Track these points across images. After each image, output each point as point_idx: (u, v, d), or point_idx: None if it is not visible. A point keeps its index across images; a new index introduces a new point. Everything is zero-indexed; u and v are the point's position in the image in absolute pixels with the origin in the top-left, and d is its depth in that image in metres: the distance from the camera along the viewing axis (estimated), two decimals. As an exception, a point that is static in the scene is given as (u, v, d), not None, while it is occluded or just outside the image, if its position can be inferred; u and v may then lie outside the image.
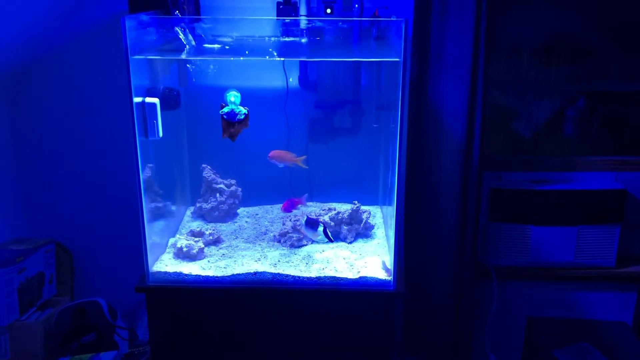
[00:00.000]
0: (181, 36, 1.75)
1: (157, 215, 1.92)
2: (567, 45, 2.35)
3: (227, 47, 1.83)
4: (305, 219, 1.87)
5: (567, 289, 2.42)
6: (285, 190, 2.27)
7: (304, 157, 2.03)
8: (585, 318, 2.41)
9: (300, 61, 2.14)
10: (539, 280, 2.40)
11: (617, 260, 2.31)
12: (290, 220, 2.07)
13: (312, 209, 2.25)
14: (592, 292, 2.42)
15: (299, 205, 2.11)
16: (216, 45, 1.82)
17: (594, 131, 2.45)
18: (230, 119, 1.80)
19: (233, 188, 2.19)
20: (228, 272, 1.82)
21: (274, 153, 2.01)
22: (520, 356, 2.39)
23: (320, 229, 1.81)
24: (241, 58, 1.92)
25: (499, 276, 2.35)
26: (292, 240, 1.98)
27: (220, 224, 2.17)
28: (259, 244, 2.01)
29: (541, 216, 2.27)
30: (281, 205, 2.29)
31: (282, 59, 2.11)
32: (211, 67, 2.04)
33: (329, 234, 1.83)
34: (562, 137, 2.46)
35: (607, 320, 2.32)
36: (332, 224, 2.03)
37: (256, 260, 1.88)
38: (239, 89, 1.84)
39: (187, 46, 1.78)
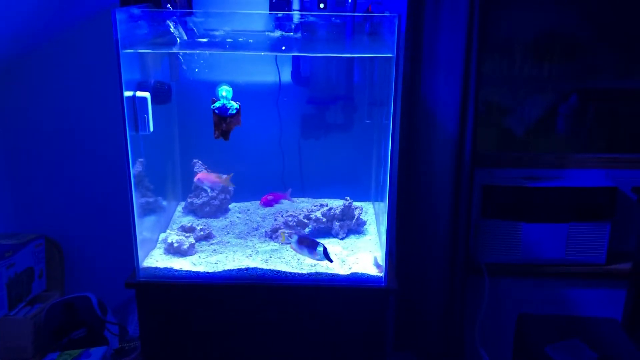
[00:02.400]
0: (173, 30, 1.74)
1: (147, 210, 1.90)
2: (560, 42, 2.35)
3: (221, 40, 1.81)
4: (296, 237, 1.82)
5: (558, 286, 2.43)
6: (278, 185, 2.27)
7: (230, 176, 2.05)
8: (575, 314, 2.42)
9: (292, 56, 2.13)
10: (530, 277, 2.41)
11: (607, 257, 2.33)
12: (282, 216, 2.06)
13: (304, 204, 2.24)
14: (582, 288, 2.43)
15: (282, 200, 2.10)
16: (221, 35, 1.81)
17: (586, 128, 2.46)
18: (222, 114, 1.79)
19: (225, 183, 2.19)
20: (219, 267, 1.81)
21: (200, 175, 2.06)
22: (511, 353, 2.40)
23: (320, 249, 1.78)
24: (233, 52, 1.91)
25: (491, 273, 2.36)
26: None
27: (212, 219, 2.16)
28: (251, 240, 2.00)
29: (532, 213, 2.27)
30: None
31: (275, 53, 2.10)
32: (202, 61, 2.02)
33: (329, 255, 1.79)
34: (554, 134, 2.46)
35: (597, 316, 2.33)
36: (324, 219, 2.02)
37: (247, 256, 1.87)
38: (230, 84, 1.83)
39: (179, 40, 1.76)
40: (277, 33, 1.85)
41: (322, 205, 2.10)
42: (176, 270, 1.80)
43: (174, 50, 1.86)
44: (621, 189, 2.33)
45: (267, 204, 2.11)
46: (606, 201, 2.26)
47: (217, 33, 1.83)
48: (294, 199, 2.30)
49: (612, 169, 2.34)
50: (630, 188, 2.32)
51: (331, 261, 1.79)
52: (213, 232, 2.03)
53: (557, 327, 2.22)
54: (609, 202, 2.26)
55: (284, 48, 1.88)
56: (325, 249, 1.78)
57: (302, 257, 1.87)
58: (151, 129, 1.74)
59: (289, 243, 1.84)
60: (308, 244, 1.81)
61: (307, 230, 2.04)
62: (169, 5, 1.83)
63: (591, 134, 2.46)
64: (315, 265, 1.83)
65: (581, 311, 2.45)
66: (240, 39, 1.85)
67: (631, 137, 2.45)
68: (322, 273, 1.79)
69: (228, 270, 1.79)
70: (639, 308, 2.33)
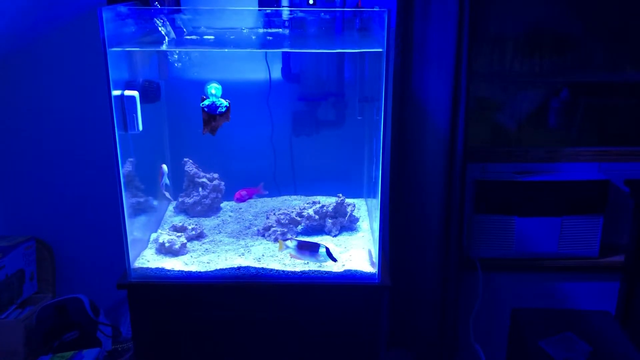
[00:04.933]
0: (160, 28, 1.72)
1: (138, 210, 1.89)
2: (551, 36, 2.35)
3: (207, 37, 1.80)
4: (295, 243, 1.80)
5: (551, 280, 2.44)
6: (270, 183, 2.26)
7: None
8: (569, 308, 2.42)
9: (282, 53, 2.11)
10: (524, 271, 2.41)
11: (600, 250, 2.33)
12: (274, 214, 2.05)
13: (296, 202, 2.23)
14: (576, 282, 2.43)
15: (255, 195, 2.10)
16: (208, 37, 1.79)
17: (578, 122, 2.46)
18: (212, 112, 1.78)
19: (216, 182, 2.17)
20: (211, 267, 1.79)
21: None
22: (505, 347, 2.40)
23: (323, 250, 1.76)
24: (222, 50, 1.89)
25: (484, 268, 2.36)
26: (276, 234, 1.96)
27: (203, 218, 2.14)
28: (243, 239, 1.99)
29: (525, 207, 2.27)
30: (267, 198, 2.29)
31: (265, 50, 2.09)
32: (189, 57, 2.01)
33: (333, 254, 1.77)
34: (546, 128, 2.47)
35: (591, 309, 2.33)
36: (317, 217, 2.01)
37: (240, 255, 1.86)
38: (220, 82, 1.82)
39: (167, 38, 1.74)
40: (267, 30, 1.84)
41: (314, 203, 2.09)
42: (168, 270, 1.78)
43: (162, 48, 1.84)
44: (613, 181, 2.33)
45: (241, 199, 2.11)
46: (598, 194, 2.27)
47: (205, 30, 1.82)
48: (286, 197, 2.29)
49: (604, 162, 2.35)
50: (623, 181, 2.33)
51: (335, 260, 1.78)
52: (205, 231, 2.01)
53: (551, 321, 2.22)
54: (601, 195, 2.26)
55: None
56: (327, 249, 1.77)
57: (294, 255, 1.86)
58: (140, 128, 1.73)
59: (288, 249, 1.82)
60: (309, 248, 1.79)
61: (299, 228, 2.03)
62: (156, 3, 1.81)
63: (583, 127, 2.46)
64: (307, 262, 1.82)
65: (575, 304, 2.46)
66: (229, 36, 1.83)
67: (622, 130, 2.45)
68: (315, 271, 1.78)
69: (220, 269, 1.78)
70: (632, 300, 2.33)
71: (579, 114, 2.45)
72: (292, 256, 1.82)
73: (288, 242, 1.83)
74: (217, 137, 1.83)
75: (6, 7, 2.09)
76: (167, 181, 2.00)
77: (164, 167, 1.98)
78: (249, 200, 2.16)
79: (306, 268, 1.79)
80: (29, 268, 2.21)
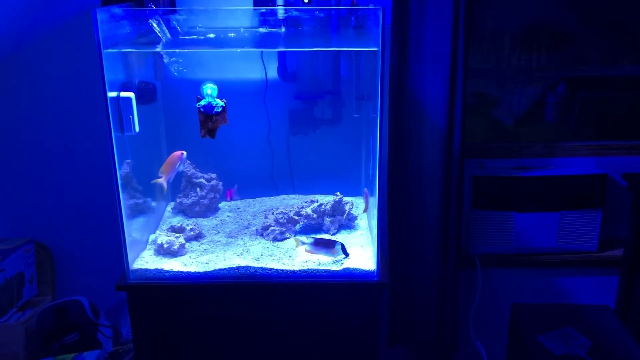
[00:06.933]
0: (156, 28, 1.72)
1: (136, 211, 1.89)
2: (547, 31, 2.35)
3: (203, 37, 1.80)
4: (312, 240, 1.83)
5: (550, 275, 2.44)
6: (268, 183, 2.26)
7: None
8: (569, 303, 2.43)
9: (278, 52, 2.11)
10: (523, 266, 2.41)
11: (599, 245, 2.33)
12: (272, 213, 2.05)
13: (295, 201, 2.23)
14: (575, 277, 2.43)
15: (234, 196, 2.13)
16: (205, 32, 1.79)
17: (575, 117, 2.46)
18: (208, 112, 1.77)
19: (214, 182, 2.17)
20: (210, 267, 1.79)
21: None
22: (505, 343, 2.40)
23: (339, 247, 1.80)
24: (218, 50, 1.89)
25: (483, 264, 2.36)
26: (274, 233, 1.96)
27: (202, 219, 2.14)
28: (241, 238, 1.99)
29: (523, 202, 2.27)
30: (265, 198, 2.29)
31: (260, 49, 2.09)
32: (185, 59, 2.01)
33: (347, 250, 1.82)
34: (543, 123, 2.47)
35: (590, 304, 2.33)
36: (315, 216, 2.01)
37: (238, 255, 1.86)
38: (216, 82, 1.82)
39: (163, 39, 1.74)
40: (262, 29, 1.83)
41: (312, 202, 2.09)
42: (167, 271, 1.78)
43: (158, 49, 1.84)
44: (611, 175, 2.33)
45: (225, 199, 2.14)
46: (596, 188, 2.26)
47: (201, 30, 1.82)
48: (284, 196, 2.30)
49: (602, 156, 2.35)
50: (621, 174, 2.33)
51: (348, 255, 1.81)
52: (203, 231, 2.02)
53: (551, 316, 2.23)
54: (600, 189, 2.26)
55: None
56: (343, 245, 1.80)
57: (293, 254, 1.86)
58: (137, 129, 1.73)
59: (304, 244, 1.84)
60: (326, 244, 1.82)
61: (297, 227, 2.03)
62: (151, 3, 1.81)
63: (580, 122, 2.46)
64: (307, 261, 1.82)
65: (574, 299, 2.46)
66: (225, 36, 1.83)
67: (620, 123, 2.45)
68: (314, 269, 1.79)
69: (219, 269, 1.78)
70: (631, 294, 2.34)
71: (577, 108, 2.45)
72: (306, 251, 1.84)
73: (304, 239, 1.87)
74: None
75: (2, 9, 2.08)
76: (182, 168, 1.99)
77: (184, 153, 1.97)
78: (236, 200, 2.18)
79: (305, 267, 1.79)
80: (29, 271, 2.21)
